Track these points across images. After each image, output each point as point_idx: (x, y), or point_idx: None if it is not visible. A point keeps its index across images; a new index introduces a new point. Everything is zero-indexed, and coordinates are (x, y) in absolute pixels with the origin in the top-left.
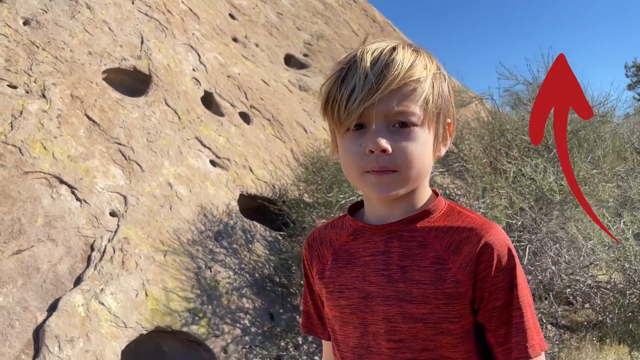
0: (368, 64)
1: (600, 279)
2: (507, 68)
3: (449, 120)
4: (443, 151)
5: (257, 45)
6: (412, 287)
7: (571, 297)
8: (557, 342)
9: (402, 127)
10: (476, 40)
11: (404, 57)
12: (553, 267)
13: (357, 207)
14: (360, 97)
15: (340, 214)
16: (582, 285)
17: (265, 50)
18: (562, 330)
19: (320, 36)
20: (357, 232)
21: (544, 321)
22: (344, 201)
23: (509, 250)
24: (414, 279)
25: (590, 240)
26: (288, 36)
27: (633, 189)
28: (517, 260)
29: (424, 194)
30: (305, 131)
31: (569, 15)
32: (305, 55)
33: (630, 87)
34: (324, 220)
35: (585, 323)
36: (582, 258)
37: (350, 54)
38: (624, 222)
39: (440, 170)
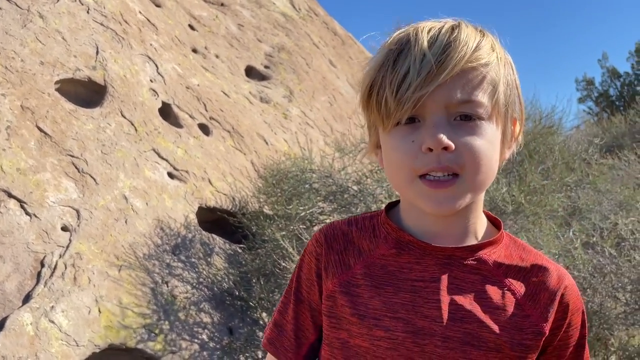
0: (425, 43)
1: None
2: None
3: (515, 116)
4: (508, 154)
5: (217, 57)
6: (482, 330)
7: None
8: None
9: (465, 120)
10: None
11: (468, 37)
12: None
13: (391, 205)
14: (417, 82)
15: (366, 212)
16: None
17: (226, 62)
18: None
19: (281, 48)
20: (401, 245)
21: None
22: (303, 213)
23: (581, 300)
24: (484, 322)
25: (541, 249)
26: (249, 48)
27: (581, 199)
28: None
29: (481, 210)
30: (266, 143)
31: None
32: (266, 67)
33: (580, 100)
34: (283, 233)
35: None
36: None
37: (399, 34)
38: (573, 232)
39: None
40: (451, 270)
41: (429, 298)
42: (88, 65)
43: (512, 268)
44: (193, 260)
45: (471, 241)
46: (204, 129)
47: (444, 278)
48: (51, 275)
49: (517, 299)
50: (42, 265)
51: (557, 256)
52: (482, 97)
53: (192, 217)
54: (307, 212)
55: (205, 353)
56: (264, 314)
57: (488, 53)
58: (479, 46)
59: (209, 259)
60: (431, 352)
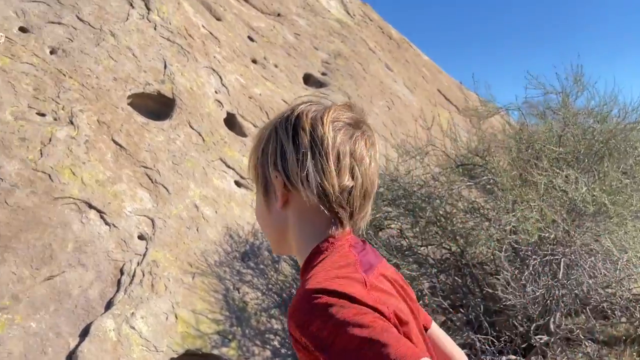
0: None
1: (638, 292)
2: (535, 77)
3: (272, 175)
4: (280, 203)
5: (276, 66)
6: None
7: (609, 312)
8: (596, 358)
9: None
10: (502, 50)
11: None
12: (589, 281)
13: None
14: None
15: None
16: (619, 299)
17: (284, 71)
18: (600, 346)
19: (337, 54)
20: None
21: (582, 337)
22: (370, 218)
23: (292, 322)
24: None
25: (626, 253)
26: (306, 56)
27: None
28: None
29: (296, 246)
30: None
31: (597, 21)
32: (323, 74)
33: None
34: None
35: (624, 337)
36: (618, 271)
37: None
38: None
39: (468, 184)
40: None
41: None
42: (157, 80)
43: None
44: (262, 266)
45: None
46: None
47: None
48: (130, 282)
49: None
50: (122, 273)
51: None
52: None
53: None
54: (374, 217)
55: (277, 359)
56: None
57: (250, 156)
58: (250, 155)
59: (276, 266)
60: None
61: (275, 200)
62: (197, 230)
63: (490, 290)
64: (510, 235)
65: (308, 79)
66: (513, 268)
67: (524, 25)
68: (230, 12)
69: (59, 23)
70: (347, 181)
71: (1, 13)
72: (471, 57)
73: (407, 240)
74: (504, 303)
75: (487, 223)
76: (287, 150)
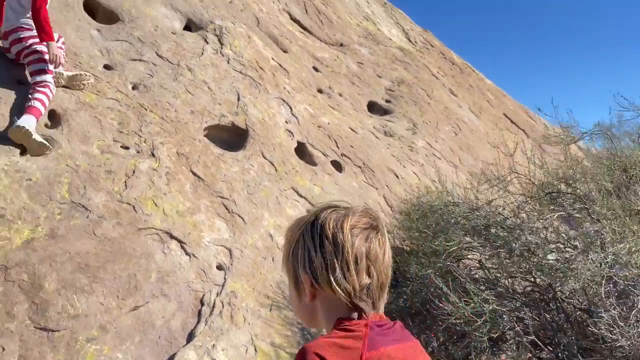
0: None
1: None
2: (627, 98)
3: (301, 275)
4: (308, 298)
5: (340, 95)
6: None
7: None
8: None
9: None
10: (585, 72)
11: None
12: None
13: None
14: None
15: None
16: None
17: (349, 99)
18: None
19: (401, 81)
20: None
21: None
22: (453, 248)
23: None
24: None
25: None
26: (370, 84)
27: None
28: None
29: (326, 326)
30: (396, 176)
31: None
32: (387, 101)
33: None
34: (430, 271)
35: None
36: None
37: None
38: None
39: (559, 213)
40: None
41: None
42: (231, 111)
43: None
44: None
45: None
46: (337, 165)
47: None
48: (210, 313)
49: None
50: (202, 303)
51: None
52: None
53: None
54: (455, 247)
55: None
56: None
57: (283, 253)
58: (283, 251)
59: None
60: None
61: (305, 295)
62: (273, 260)
63: (593, 329)
64: (608, 268)
65: (372, 107)
66: (614, 305)
67: (583, 46)
68: (295, 44)
69: (140, 60)
70: (365, 280)
71: (88, 52)
72: (535, 80)
73: (487, 272)
74: (607, 343)
75: (580, 255)
76: (313, 256)
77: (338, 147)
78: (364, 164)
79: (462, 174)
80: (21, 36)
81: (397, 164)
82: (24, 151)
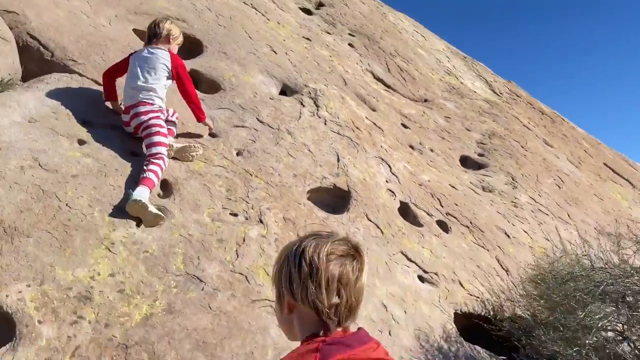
0: None
1: None
2: None
3: (285, 292)
4: (286, 311)
5: (432, 150)
6: None
7: None
8: None
9: None
10: None
11: None
12: None
13: None
14: None
15: None
16: None
17: (441, 154)
18: None
19: (492, 134)
20: None
21: None
22: (600, 323)
23: None
24: None
25: None
26: (460, 138)
27: None
28: None
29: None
30: (507, 236)
31: None
32: (480, 155)
33: None
34: (576, 349)
35: None
36: None
37: None
38: None
39: None
40: None
41: None
42: (332, 173)
43: None
44: None
45: None
46: (443, 225)
47: None
48: None
49: None
50: None
51: None
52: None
53: (451, 327)
54: (598, 321)
55: None
56: None
57: (273, 269)
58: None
59: None
60: None
61: (284, 307)
62: (390, 333)
63: None
64: None
65: (465, 161)
66: None
67: None
68: (382, 102)
69: (243, 126)
70: (334, 300)
71: (194, 121)
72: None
73: (633, 345)
74: None
75: None
76: (293, 276)
77: (442, 206)
78: (471, 223)
79: (573, 231)
80: (141, 110)
81: (504, 222)
82: (139, 222)
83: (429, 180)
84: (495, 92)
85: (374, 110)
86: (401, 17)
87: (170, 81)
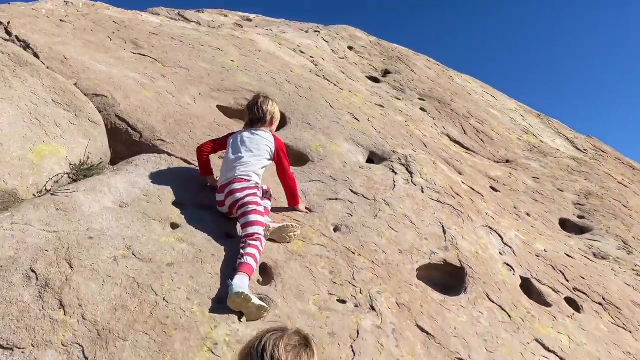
0: None
1: None
2: None
3: None
4: None
5: (528, 214)
6: None
7: None
8: None
9: None
10: None
11: None
12: None
13: None
14: None
15: None
16: None
17: (539, 219)
18: None
19: (588, 194)
20: None
21: None
22: None
23: None
24: None
25: None
26: (553, 199)
27: None
28: None
29: None
30: None
31: None
32: (580, 217)
33: None
34: None
35: None
36: None
37: None
38: None
39: None
40: None
41: None
42: (440, 247)
43: None
44: None
45: None
46: (573, 304)
47: None
48: None
49: None
50: None
51: None
52: None
53: None
54: None
55: None
56: None
57: None
58: None
59: None
60: None
61: None
62: None
63: None
64: None
65: (564, 224)
66: None
67: None
68: (466, 165)
69: (337, 199)
70: None
71: (284, 196)
72: None
73: None
74: None
75: None
76: None
77: (567, 280)
78: (603, 299)
79: None
80: (237, 187)
81: (638, 295)
82: (241, 315)
83: (545, 250)
84: (578, 149)
85: (460, 173)
86: (468, 79)
87: (270, 162)
